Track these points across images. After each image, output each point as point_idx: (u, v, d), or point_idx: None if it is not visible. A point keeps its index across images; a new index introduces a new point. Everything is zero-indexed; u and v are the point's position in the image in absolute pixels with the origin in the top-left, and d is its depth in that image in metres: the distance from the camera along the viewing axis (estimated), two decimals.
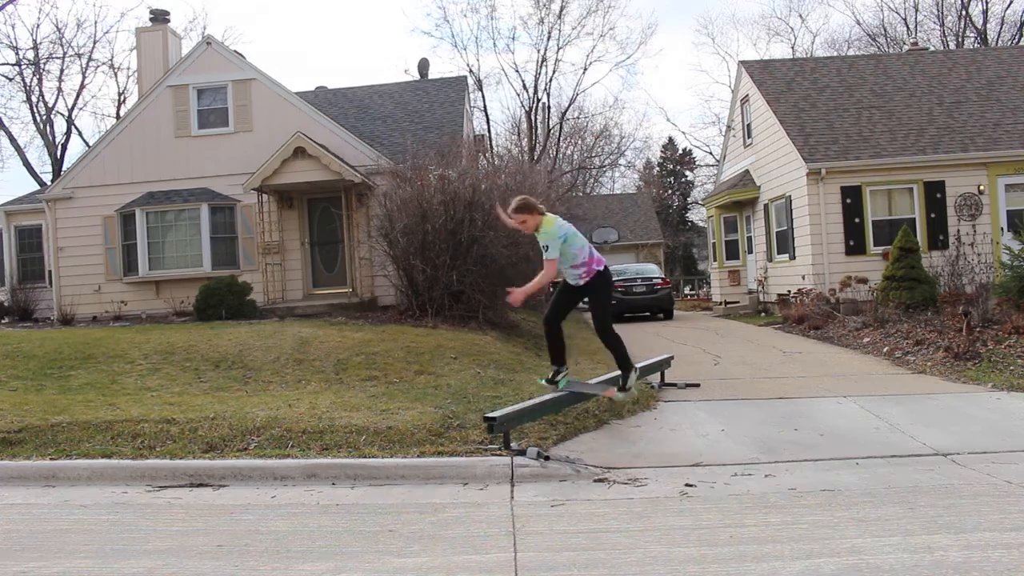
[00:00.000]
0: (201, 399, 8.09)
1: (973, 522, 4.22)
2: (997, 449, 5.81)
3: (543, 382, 6.81)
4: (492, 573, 3.74)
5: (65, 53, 30.95)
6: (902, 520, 4.28)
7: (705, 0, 69.86)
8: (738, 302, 21.48)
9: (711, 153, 45.22)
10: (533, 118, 38.70)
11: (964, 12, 35.50)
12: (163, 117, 16.63)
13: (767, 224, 19.49)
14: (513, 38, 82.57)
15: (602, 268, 6.45)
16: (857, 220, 16.31)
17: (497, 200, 13.39)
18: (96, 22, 59.40)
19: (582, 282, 6.44)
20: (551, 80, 40.41)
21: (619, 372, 6.71)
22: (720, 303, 22.63)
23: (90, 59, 31.43)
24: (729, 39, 76.76)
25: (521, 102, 41.60)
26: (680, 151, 55.75)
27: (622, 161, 45.71)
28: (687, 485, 5.16)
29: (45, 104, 30.45)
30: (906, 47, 26.68)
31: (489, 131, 37.53)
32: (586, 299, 6.65)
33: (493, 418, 5.72)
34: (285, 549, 4.18)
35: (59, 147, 30.85)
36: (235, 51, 18.22)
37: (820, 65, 21.16)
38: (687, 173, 55.83)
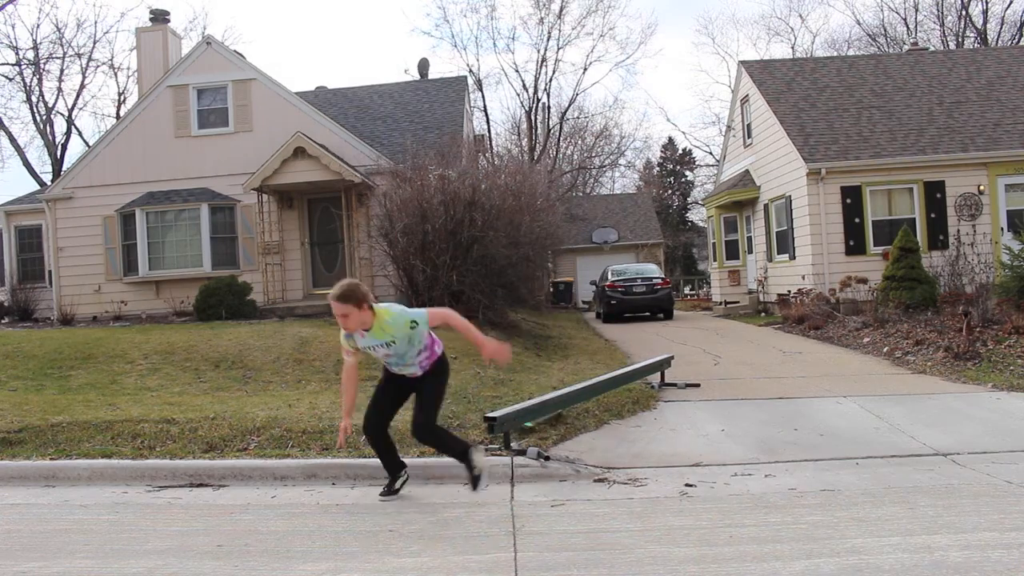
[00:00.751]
0: (201, 399, 8.09)
1: (973, 522, 4.22)
2: (997, 449, 5.81)
3: (380, 497, 5.04)
4: (492, 573, 3.74)
5: (65, 53, 30.97)
6: (902, 520, 4.28)
7: (705, 0, 69.92)
8: (738, 302, 21.48)
9: (711, 153, 45.26)
10: (533, 118, 38.72)
11: (964, 12, 35.51)
12: (163, 117, 16.63)
13: (767, 224, 19.49)
14: (513, 38, 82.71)
15: (441, 350, 5.06)
16: (857, 220, 16.31)
17: (497, 200, 13.44)
18: (96, 22, 59.39)
19: (420, 372, 4.94)
20: (551, 80, 40.50)
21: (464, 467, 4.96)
22: (720, 303, 22.63)
23: (90, 59, 31.44)
24: (729, 39, 76.78)
25: (521, 102, 41.70)
26: (680, 151, 55.76)
27: (622, 161, 45.77)
28: (687, 485, 5.16)
29: (45, 104, 30.47)
30: (906, 47, 26.68)
31: (489, 131, 37.55)
32: (415, 390, 4.99)
33: (493, 418, 5.72)
34: (285, 549, 4.18)
35: (59, 147, 30.85)
36: (235, 51, 18.22)
37: (820, 65, 21.15)
38: (687, 173, 55.85)
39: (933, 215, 16.24)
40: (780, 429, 6.64)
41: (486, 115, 38.35)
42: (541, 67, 37.93)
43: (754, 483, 5.16)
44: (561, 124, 39.57)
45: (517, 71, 52.61)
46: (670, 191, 55.85)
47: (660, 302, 20.08)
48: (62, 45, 30.39)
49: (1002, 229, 16.11)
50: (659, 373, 8.85)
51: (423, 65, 27.11)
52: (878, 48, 37.29)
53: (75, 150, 59.59)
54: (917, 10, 37.16)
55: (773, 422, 6.91)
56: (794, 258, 17.56)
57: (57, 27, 49.17)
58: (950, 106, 18.01)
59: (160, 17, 18.28)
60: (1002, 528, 4.11)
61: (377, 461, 5.20)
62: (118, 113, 30.71)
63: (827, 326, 13.81)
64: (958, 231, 16.03)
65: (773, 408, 7.55)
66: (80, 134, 34.10)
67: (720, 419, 7.11)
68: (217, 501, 5.22)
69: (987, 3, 35.16)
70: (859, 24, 59.97)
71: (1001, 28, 35.15)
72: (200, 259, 16.12)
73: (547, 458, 5.68)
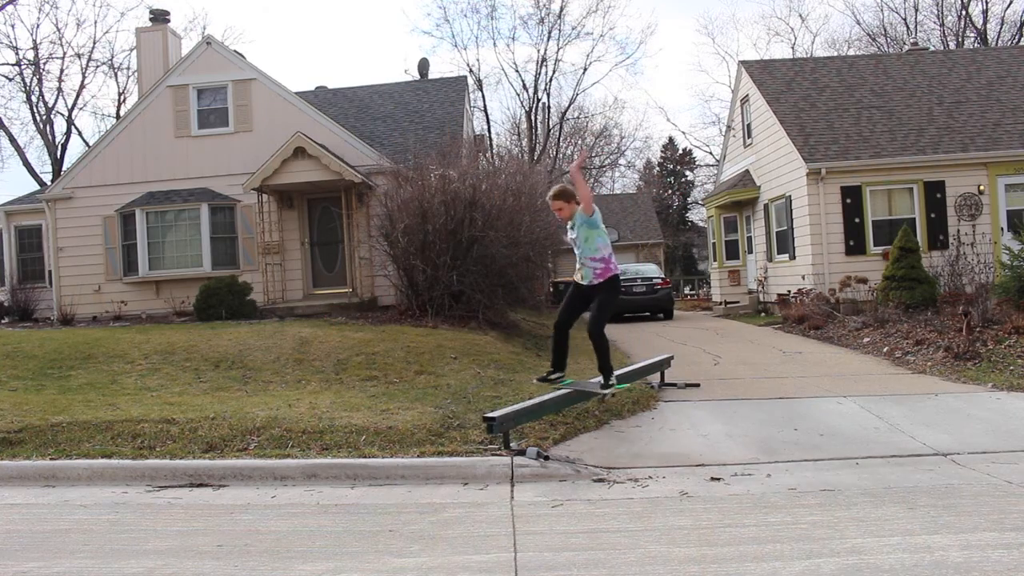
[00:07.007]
0: (201, 399, 8.09)
1: (973, 522, 4.22)
2: (997, 449, 5.81)
3: (536, 381, 6.87)
4: (492, 573, 3.74)
5: (65, 53, 31.10)
6: (902, 520, 4.28)
7: (705, 0, 69.90)
8: (738, 302, 21.48)
9: (711, 153, 45.21)
10: (533, 118, 38.70)
11: (964, 12, 35.48)
12: (163, 117, 16.62)
13: (767, 224, 19.49)
14: (513, 38, 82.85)
15: (618, 271, 6.49)
16: (857, 220, 16.31)
17: (498, 200, 13.44)
18: (96, 22, 59.25)
19: (596, 281, 6.38)
20: (551, 80, 40.37)
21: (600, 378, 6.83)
22: (720, 303, 22.63)
23: (90, 59, 31.44)
24: (729, 39, 76.67)
25: (521, 102, 41.63)
26: (680, 151, 55.74)
27: (622, 161, 45.81)
28: (687, 488, 5.15)
29: (45, 104, 30.44)
30: (906, 47, 26.66)
31: (489, 131, 37.53)
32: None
33: (493, 418, 5.72)
34: (285, 549, 4.18)
35: (59, 147, 30.82)
36: (235, 51, 18.21)
37: (820, 65, 21.14)
38: (687, 173, 55.83)
39: (933, 215, 16.24)
40: (780, 429, 6.64)
41: (486, 115, 38.37)
42: (541, 67, 37.94)
43: (754, 483, 5.16)
44: (561, 124, 39.58)
45: (517, 71, 52.47)
46: (670, 191, 55.83)
47: (660, 302, 20.07)
48: (62, 45, 30.53)
49: (1002, 229, 16.11)
50: (659, 373, 8.85)
51: (423, 65, 27.10)
52: (878, 48, 37.27)
53: (75, 150, 59.49)
54: (917, 10, 37.16)
55: (773, 422, 6.91)
56: (794, 258, 17.56)
57: (57, 27, 49.22)
58: (950, 106, 18.01)
59: (160, 17, 18.27)
60: (1002, 528, 4.10)
61: (376, 461, 5.24)
62: (118, 113, 30.69)
63: (827, 326, 13.81)
64: (958, 231, 16.02)
65: (773, 408, 7.55)
66: (80, 134, 34.07)
67: (720, 419, 7.11)
68: (217, 501, 5.22)
69: (987, 3, 35.18)
70: (859, 24, 59.96)
71: (1001, 28, 35.15)
72: (200, 259, 16.11)
73: (547, 458, 5.68)
